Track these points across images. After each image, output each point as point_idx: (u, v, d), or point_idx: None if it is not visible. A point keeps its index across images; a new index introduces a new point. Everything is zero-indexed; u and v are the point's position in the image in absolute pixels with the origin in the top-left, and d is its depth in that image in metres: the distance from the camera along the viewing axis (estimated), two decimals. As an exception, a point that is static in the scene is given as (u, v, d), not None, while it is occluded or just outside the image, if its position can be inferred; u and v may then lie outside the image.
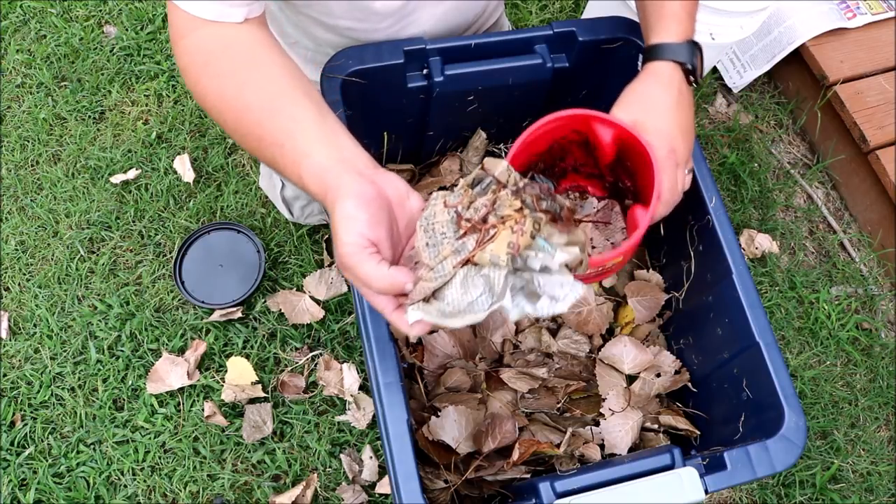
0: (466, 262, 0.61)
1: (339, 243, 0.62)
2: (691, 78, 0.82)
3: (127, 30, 1.63)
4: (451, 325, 0.61)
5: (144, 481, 1.25)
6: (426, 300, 0.61)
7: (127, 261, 1.42)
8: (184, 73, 0.74)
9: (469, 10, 1.00)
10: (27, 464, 1.26)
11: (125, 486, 1.25)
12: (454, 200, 0.64)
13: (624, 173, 0.90)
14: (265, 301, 1.38)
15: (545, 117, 0.81)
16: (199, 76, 0.72)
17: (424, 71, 0.94)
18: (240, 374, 1.31)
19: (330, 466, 1.28)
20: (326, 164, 0.65)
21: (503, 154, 1.17)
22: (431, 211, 0.64)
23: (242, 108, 0.70)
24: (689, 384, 1.02)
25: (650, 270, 1.10)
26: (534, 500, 0.77)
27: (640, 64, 0.85)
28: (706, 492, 0.77)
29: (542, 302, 0.60)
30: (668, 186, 0.79)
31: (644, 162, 0.80)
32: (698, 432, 0.98)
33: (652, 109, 0.80)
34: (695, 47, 0.82)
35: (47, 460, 1.26)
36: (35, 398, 1.30)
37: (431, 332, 1.02)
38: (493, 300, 0.59)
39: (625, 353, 1.03)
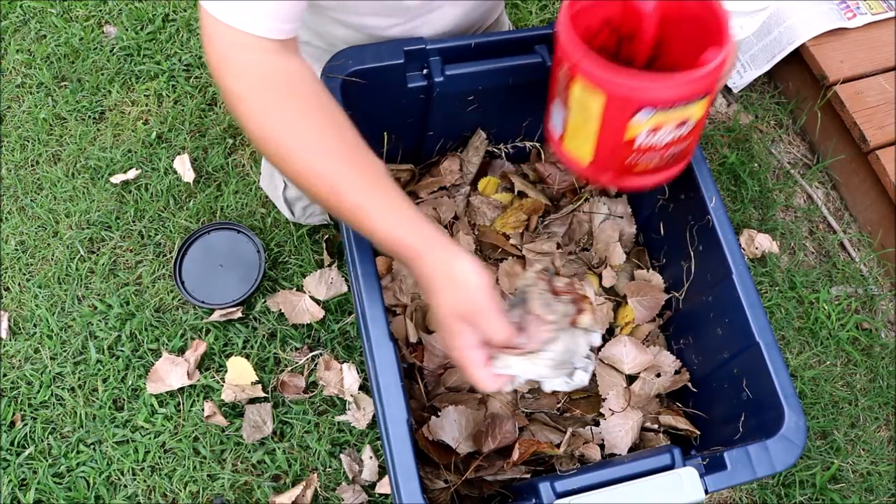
0: (573, 322, 0.74)
1: (473, 287, 0.68)
2: None
3: (127, 30, 1.63)
4: (540, 377, 0.73)
5: (144, 481, 1.25)
6: (525, 354, 0.73)
7: (127, 261, 1.42)
8: (238, 99, 0.69)
9: (483, 9, 1.01)
10: (27, 464, 1.26)
11: (125, 486, 1.25)
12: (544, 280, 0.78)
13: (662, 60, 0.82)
14: (265, 301, 1.38)
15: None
16: (265, 110, 0.69)
17: (424, 71, 0.94)
18: (240, 374, 1.31)
19: (330, 466, 1.28)
20: (425, 222, 0.70)
21: (502, 154, 1.17)
22: (531, 282, 0.77)
23: (316, 162, 0.69)
24: (689, 384, 1.02)
25: (650, 270, 1.10)
26: (534, 500, 0.77)
27: None
28: (706, 492, 0.77)
29: (576, 375, 0.75)
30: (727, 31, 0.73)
31: (690, 18, 0.74)
32: (698, 432, 0.98)
33: None
34: None
35: (47, 460, 1.26)
36: (35, 398, 1.30)
37: (432, 333, 1.02)
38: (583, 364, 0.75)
39: (625, 353, 1.03)
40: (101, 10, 1.65)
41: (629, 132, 0.73)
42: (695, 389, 1.02)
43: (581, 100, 0.73)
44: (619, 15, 0.78)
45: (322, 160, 0.69)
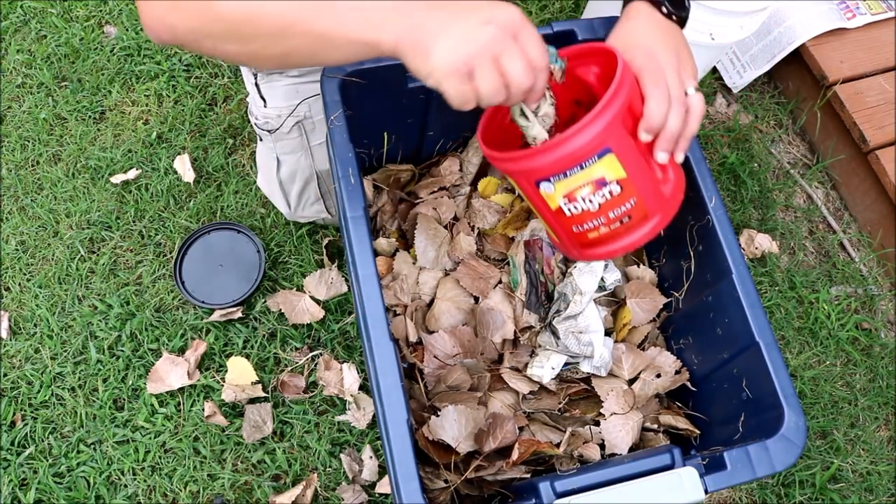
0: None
1: (510, 8, 0.62)
2: (665, 10, 0.82)
3: (127, 30, 1.63)
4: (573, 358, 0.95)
5: (145, 481, 1.26)
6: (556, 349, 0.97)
7: (127, 261, 1.42)
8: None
9: None
10: (27, 464, 1.26)
11: (125, 486, 1.25)
12: None
13: None
14: (265, 301, 1.38)
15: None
16: None
17: (424, 71, 0.94)
18: (240, 374, 1.31)
19: (330, 466, 1.28)
20: None
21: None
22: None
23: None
24: (689, 384, 1.02)
25: (641, 266, 1.09)
26: (534, 500, 0.77)
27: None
28: (706, 492, 0.77)
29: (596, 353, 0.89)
30: (653, 78, 0.74)
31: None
32: (698, 432, 0.99)
33: (623, 39, 0.80)
34: None
35: (48, 460, 1.26)
36: (35, 398, 1.30)
37: (432, 333, 1.02)
38: None
39: (623, 359, 1.03)
40: (101, 11, 1.65)
41: (550, 203, 0.76)
42: (694, 389, 1.02)
43: (517, 189, 0.76)
44: (577, 92, 0.81)
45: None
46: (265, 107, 1.17)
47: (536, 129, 0.74)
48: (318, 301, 1.38)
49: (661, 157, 0.76)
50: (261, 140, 1.25)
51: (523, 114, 0.74)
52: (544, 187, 0.75)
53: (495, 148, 0.79)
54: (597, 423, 0.98)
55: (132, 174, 1.48)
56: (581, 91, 0.83)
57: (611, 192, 0.75)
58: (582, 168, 0.72)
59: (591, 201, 0.75)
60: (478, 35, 0.62)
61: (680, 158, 0.78)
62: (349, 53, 0.67)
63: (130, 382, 1.31)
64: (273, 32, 0.67)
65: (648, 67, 0.75)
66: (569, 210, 0.77)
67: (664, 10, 0.82)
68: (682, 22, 0.84)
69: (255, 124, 1.21)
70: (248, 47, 0.70)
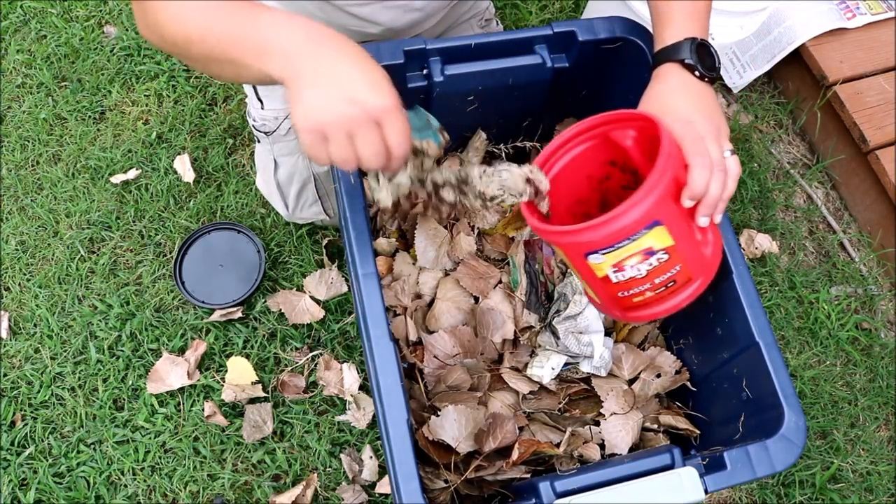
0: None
1: (384, 96, 0.66)
2: (698, 73, 0.82)
3: (127, 30, 1.63)
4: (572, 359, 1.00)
5: (144, 481, 1.26)
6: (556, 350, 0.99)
7: (127, 261, 1.42)
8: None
9: None
10: (27, 464, 1.26)
11: (125, 486, 1.25)
12: None
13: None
14: (265, 301, 1.38)
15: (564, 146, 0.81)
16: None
17: (424, 71, 0.94)
18: (240, 374, 1.31)
19: (330, 466, 1.28)
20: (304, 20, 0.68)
21: (502, 154, 1.17)
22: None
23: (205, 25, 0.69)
24: (689, 384, 1.02)
25: None
26: (534, 500, 0.77)
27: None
28: (706, 491, 0.77)
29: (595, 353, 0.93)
30: (694, 147, 0.75)
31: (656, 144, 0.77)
32: (698, 432, 0.99)
33: (657, 104, 0.80)
34: (695, 44, 0.82)
35: (47, 460, 1.26)
36: (35, 398, 1.30)
37: (432, 333, 1.02)
38: None
39: (623, 359, 1.03)
40: (101, 10, 1.65)
41: (598, 272, 0.77)
42: (694, 389, 1.02)
43: (560, 254, 0.79)
44: (612, 153, 0.82)
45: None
46: (262, 109, 1.17)
47: (383, 194, 0.78)
48: (318, 301, 1.38)
49: (702, 221, 0.77)
50: (258, 142, 1.25)
51: (375, 176, 0.78)
52: (593, 259, 0.76)
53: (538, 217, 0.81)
54: (597, 423, 0.98)
55: (132, 174, 1.48)
56: (615, 153, 0.83)
57: (658, 260, 0.76)
58: (632, 240, 0.73)
59: (638, 269, 0.76)
60: (338, 108, 0.65)
61: (718, 220, 0.79)
62: (261, 78, 0.70)
63: (130, 382, 1.31)
64: (201, 58, 0.72)
65: (689, 136, 0.76)
66: (616, 278, 0.78)
67: (697, 73, 0.81)
68: (713, 81, 0.85)
69: (253, 126, 1.22)
70: (194, 65, 0.77)
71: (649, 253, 0.74)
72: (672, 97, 0.80)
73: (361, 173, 0.85)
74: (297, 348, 1.36)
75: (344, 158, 0.67)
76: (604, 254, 0.74)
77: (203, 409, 1.29)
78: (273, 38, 0.67)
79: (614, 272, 0.77)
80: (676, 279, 0.78)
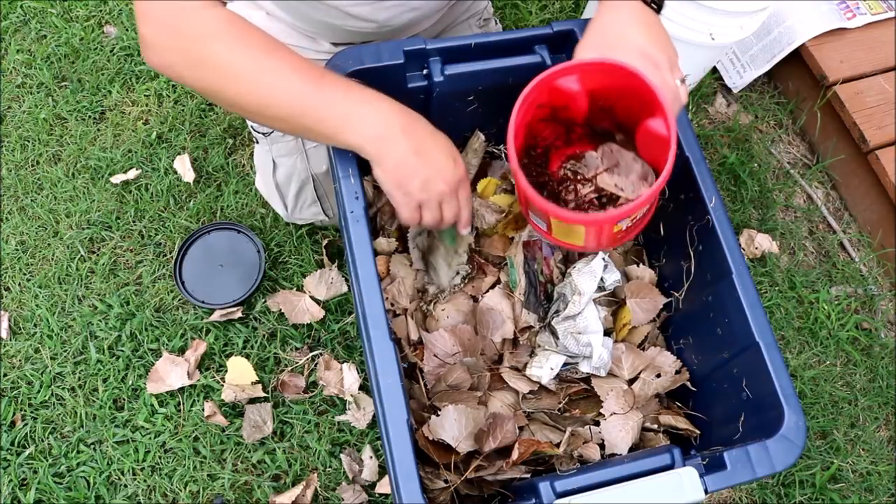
0: None
1: (459, 163, 0.85)
2: (652, 5, 0.83)
3: (127, 30, 1.63)
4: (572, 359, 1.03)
5: (144, 481, 1.26)
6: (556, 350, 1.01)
7: (127, 261, 1.42)
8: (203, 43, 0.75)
9: None
10: (27, 464, 1.26)
11: (125, 486, 1.25)
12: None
13: (601, 118, 0.89)
14: (265, 301, 1.38)
15: (515, 109, 0.81)
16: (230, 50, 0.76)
17: (424, 71, 0.94)
18: (240, 373, 1.31)
19: (330, 466, 1.28)
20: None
21: (501, 155, 1.17)
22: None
23: (266, 90, 0.77)
24: (689, 384, 1.02)
25: (641, 266, 1.09)
26: (534, 500, 0.77)
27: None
28: (706, 492, 0.77)
29: (595, 354, 0.97)
30: (662, 85, 0.78)
31: (622, 88, 0.78)
32: (698, 432, 0.98)
33: (610, 34, 0.81)
34: None
35: (47, 460, 1.26)
36: (35, 398, 1.30)
37: (431, 332, 1.02)
38: None
39: (623, 359, 1.03)
40: (101, 10, 1.65)
41: (616, 229, 0.84)
42: (694, 389, 1.02)
43: (562, 226, 0.83)
44: (548, 97, 0.84)
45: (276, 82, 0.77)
46: None
47: (444, 275, 1.04)
48: (318, 301, 1.38)
49: None
50: (257, 142, 1.25)
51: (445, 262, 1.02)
52: (620, 224, 0.82)
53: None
54: (597, 423, 0.98)
55: (132, 174, 1.48)
56: (550, 97, 0.84)
57: (653, 196, 0.81)
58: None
59: (643, 211, 0.83)
60: (436, 189, 0.85)
61: None
62: (337, 145, 0.84)
63: (130, 382, 1.31)
64: (261, 119, 0.83)
65: (649, 69, 0.78)
66: (626, 224, 0.83)
67: (649, 3, 0.82)
68: (659, 9, 0.85)
69: (252, 127, 1.22)
70: (238, 113, 0.91)
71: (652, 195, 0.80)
72: (625, 28, 0.80)
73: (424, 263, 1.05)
74: (297, 348, 1.36)
75: (436, 220, 0.87)
76: (629, 218, 0.81)
77: (203, 409, 1.29)
78: (371, 121, 0.80)
79: (629, 223, 0.83)
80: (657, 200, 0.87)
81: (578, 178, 0.93)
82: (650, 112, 0.79)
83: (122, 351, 1.34)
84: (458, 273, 1.03)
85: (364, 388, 1.32)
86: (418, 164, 0.82)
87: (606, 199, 0.92)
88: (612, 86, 0.80)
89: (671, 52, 0.81)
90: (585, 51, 0.81)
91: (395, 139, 0.80)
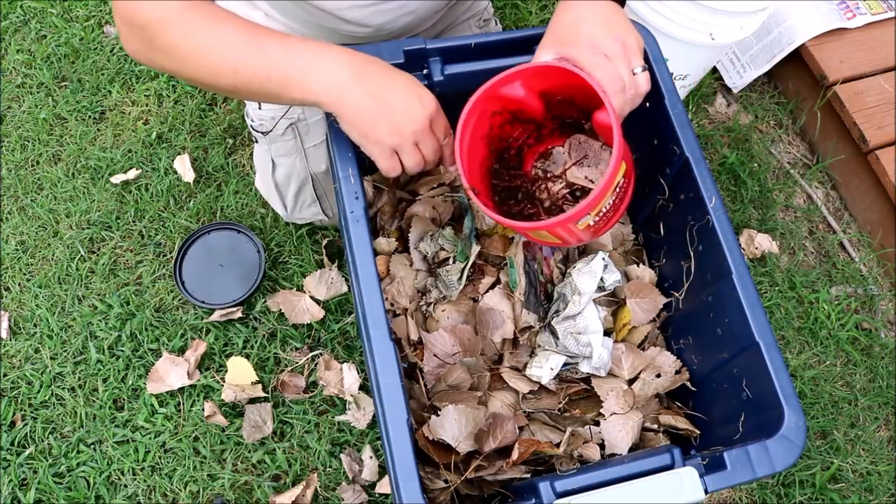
0: None
1: (425, 97, 0.80)
2: None
3: (127, 30, 1.63)
4: (572, 359, 1.02)
5: (144, 481, 1.26)
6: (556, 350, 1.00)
7: (127, 261, 1.42)
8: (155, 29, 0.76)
9: None
10: (27, 463, 1.26)
11: (125, 486, 1.25)
12: None
13: (565, 108, 0.89)
14: (265, 301, 1.38)
15: (462, 119, 0.82)
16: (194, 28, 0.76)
17: (424, 71, 0.94)
18: (240, 373, 1.31)
19: (330, 466, 1.28)
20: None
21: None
22: None
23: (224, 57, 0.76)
24: (689, 384, 1.02)
25: (641, 266, 1.09)
26: (534, 500, 0.77)
27: None
28: (706, 492, 0.77)
29: (594, 354, 0.96)
30: (608, 77, 0.77)
31: (566, 85, 0.79)
32: (698, 432, 0.98)
33: (562, 32, 0.81)
34: None
35: (47, 460, 1.26)
36: (35, 398, 1.30)
37: (431, 332, 1.02)
38: None
39: (623, 359, 1.03)
40: (101, 10, 1.65)
41: (581, 224, 0.83)
42: (694, 389, 1.02)
43: (531, 232, 0.83)
44: (500, 104, 0.85)
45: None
46: (259, 109, 1.17)
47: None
48: (318, 301, 1.38)
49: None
50: (256, 142, 1.25)
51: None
52: (584, 219, 0.81)
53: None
54: (597, 423, 0.98)
55: (132, 174, 1.48)
56: (502, 104, 0.85)
57: (619, 186, 0.81)
58: (612, 190, 0.80)
59: (609, 203, 0.82)
60: (407, 128, 0.80)
61: None
62: (294, 104, 0.84)
63: (130, 382, 1.31)
64: (229, 89, 0.80)
65: (597, 62, 0.77)
66: (594, 220, 0.82)
67: None
68: (622, 1, 0.85)
69: (251, 126, 1.22)
70: (210, 90, 0.90)
71: (617, 187, 0.81)
72: (577, 24, 0.80)
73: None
74: (297, 348, 1.36)
75: (417, 163, 0.83)
76: (592, 213, 0.80)
77: (203, 409, 1.29)
78: (318, 75, 0.76)
79: (595, 218, 0.82)
80: (626, 187, 0.85)
81: (549, 175, 0.93)
82: (599, 103, 0.79)
83: (122, 351, 1.34)
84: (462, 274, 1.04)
85: (364, 388, 1.32)
86: (380, 109, 0.77)
87: (580, 192, 0.93)
88: (557, 84, 0.81)
89: (630, 41, 0.80)
90: (542, 52, 0.81)
91: (349, 88, 0.76)
